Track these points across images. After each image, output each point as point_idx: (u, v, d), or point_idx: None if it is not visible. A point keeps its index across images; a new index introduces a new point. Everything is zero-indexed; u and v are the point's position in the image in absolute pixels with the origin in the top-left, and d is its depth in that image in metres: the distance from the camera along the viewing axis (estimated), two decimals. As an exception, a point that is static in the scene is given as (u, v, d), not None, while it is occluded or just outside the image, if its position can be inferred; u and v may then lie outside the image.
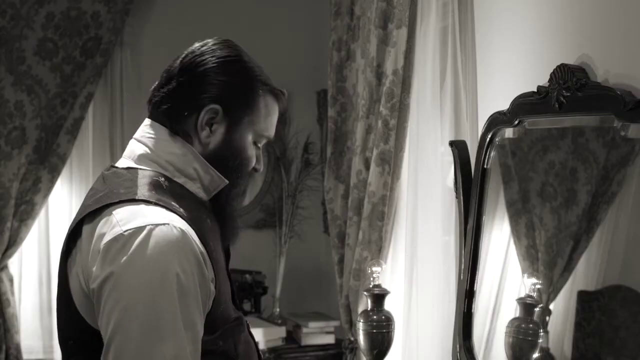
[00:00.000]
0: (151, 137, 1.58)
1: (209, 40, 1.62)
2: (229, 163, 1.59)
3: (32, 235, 3.81)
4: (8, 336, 3.69)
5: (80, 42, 3.77)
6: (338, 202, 3.41)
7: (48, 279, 3.88)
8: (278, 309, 4.00)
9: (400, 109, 2.93)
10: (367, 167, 3.10)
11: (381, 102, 2.96)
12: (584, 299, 2.04)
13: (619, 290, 1.95)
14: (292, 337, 3.94)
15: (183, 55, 1.60)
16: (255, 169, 1.66)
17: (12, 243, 3.70)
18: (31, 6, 3.67)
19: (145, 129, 1.60)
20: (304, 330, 3.86)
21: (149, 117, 1.62)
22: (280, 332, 3.87)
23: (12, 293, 3.73)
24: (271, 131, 1.65)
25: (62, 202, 3.90)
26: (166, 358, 1.36)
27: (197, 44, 1.62)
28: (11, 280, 3.74)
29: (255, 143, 1.63)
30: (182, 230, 1.43)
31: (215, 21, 3.99)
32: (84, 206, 1.53)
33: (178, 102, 1.56)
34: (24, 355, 3.74)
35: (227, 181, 1.58)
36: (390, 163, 2.96)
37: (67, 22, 3.73)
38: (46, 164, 3.75)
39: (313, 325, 3.87)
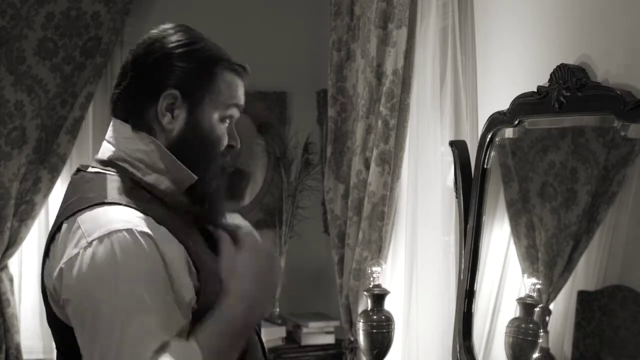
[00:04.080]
0: (118, 137, 1.57)
1: (161, 25, 1.60)
2: (196, 145, 1.56)
3: (32, 235, 3.81)
4: (8, 336, 3.69)
5: (80, 42, 3.77)
6: (338, 202, 3.41)
7: (48, 279, 3.88)
8: (278, 309, 4.00)
9: (400, 109, 2.93)
10: (367, 167, 3.10)
11: (381, 102, 2.96)
12: (584, 299, 2.04)
13: (619, 290, 1.95)
14: (292, 337, 3.94)
15: (134, 48, 1.58)
16: (231, 146, 1.62)
17: (12, 243, 3.70)
18: (31, 6, 3.67)
19: (112, 130, 1.59)
20: (304, 330, 3.86)
21: (113, 115, 1.60)
22: (280, 332, 3.87)
23: (12, 293, 3.73)
24: (237, 101, 1.60)
25: (62, 202, 3.90)
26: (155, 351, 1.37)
27: (147, 35, 1.59)
28: (11, 280, 3.74)
29: (222, 120, 1.59)
30: (148, 232, 1.42)
31: (215, 21, 3.99)
32: (58, 215, 1.52)
33: (135, 96, 1.55)
34: (24, 355, 3.74)
35: (195, 177, 1.56)
36: (390, 163, 2.96)
37: (67, 22, 3.73)
38: (46, 164, 3.75)
39: (313, 325, 3.87)
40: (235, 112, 1.61)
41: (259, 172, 4.26)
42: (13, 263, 3.78)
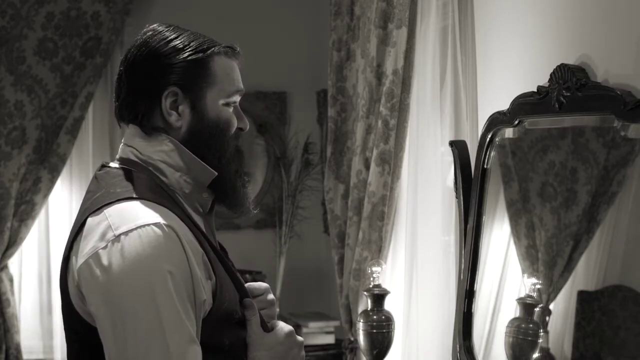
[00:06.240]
0: (136, 142, 1.58)
1: (143, 30, 1.60)
2: (207, 135, 1.57)
3: (32, 235, 3.81)
4: (8, 336, 3.69)
5: (80, 42, 3.77)
6: (338, 202, 3.41)
7: (48, 279, 3.88)
8: (278, 309, 3.98)
9: (400, 109, 2.93)
10: (367, 167, 3.10)
11: (381, 102, 2.96)
12: (584, 299, 2.04)
13: (619, 290, 1.95)
14: (292, 337, 3.93)
15: (122, 60, 1.59)
16: (240, 129, 1.63)
17: (12, 243, 3.70)
18: (31, 6, 3.67)
19: (130, 134, 1.59)
20: (304, 330, 3.86)
21: (126, 123, 1.61)
22: (280, 332, 3.87)
23: (12, 293, 3.73)
24: (237, 85, 1.61)
25: (62, 202, 3.90)
26: (177, 350, 1.38)
27: (133, 41, 1.60)
28: (11, 280, 3.74)
29: (227, 105, 1.60)
30: (175, 228, 1.43)
31: (214, 21, 3.99)
32: (82, 210, 1.53)
33: (137, 103, 1.56)
34: (24, 355, 3.74)
35: (215, 173, 1.57)
36: (390, 163, 2.96)
37: (67, 22, 3.73)
38: (46, 164, 3.76)
39: (313, 325, 3.87)
40: (237, 98, 1.62)
41: (259, 172, 4.26)
42: (13, 263, 3.78)
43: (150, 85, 1.55)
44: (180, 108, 1.55)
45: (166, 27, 1.59)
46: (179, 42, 1.56)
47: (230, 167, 1.61)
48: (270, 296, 1.72)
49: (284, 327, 1.61)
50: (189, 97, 1.55)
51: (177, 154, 1.56)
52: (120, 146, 1.61)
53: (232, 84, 1.60)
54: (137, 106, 1.56)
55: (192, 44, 1.57)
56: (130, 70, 1.57)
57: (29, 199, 3.73)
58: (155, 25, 1.61)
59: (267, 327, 1.59)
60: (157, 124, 1.56)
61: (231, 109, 1.60)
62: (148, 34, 1.58)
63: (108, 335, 1.41)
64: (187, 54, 1.55)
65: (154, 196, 1.49)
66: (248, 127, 1.65)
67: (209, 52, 1.57)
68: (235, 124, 1.61)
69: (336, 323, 3.79)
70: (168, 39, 1.56)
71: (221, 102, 1.58)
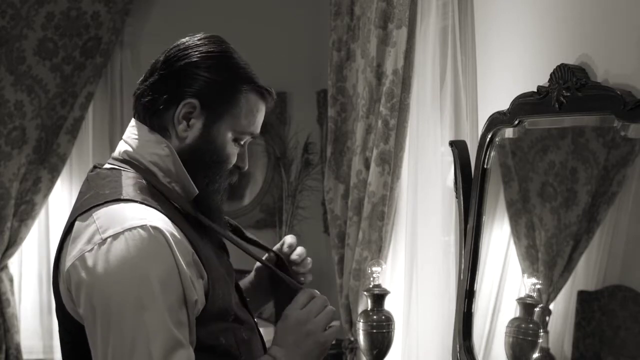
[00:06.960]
0: (136, 138, 1.58)
1: (198, 34, 1.61)
2: (206, 158, 1.57)
3: (32, 235, 3.82)
4: (8, 336, 3.69)
5: (80, 42, 3.77)
6: (338, 202, 3.41)
7: (48, 279, 3.88)
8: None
9: (400, 109, 2.93)
10: (367, 167, 3.10)
11: (381, 102, 2.96)
12: (584, 299, 2.04)
13: (619, 290, 1.95)
14: (292, 337, 3.92)
15: (168, 49, 1.60)
16: (238, 167, 1.63)
17: (12, 243, 3.71)
18: (31, 6, 3.68)
19: (131, 129, 1.60)
20: (304, 330, 3.85)
21: (133, 114, 1.62)
22: (280, 332, 3.86)
23: (12, 293, 3.74)
24: (253, 129, 1.62)
25: (62, 202, 3.91)
26: (159, 355, 1.38)
27: (184, 39, 1.60)
28: (11, 280, 3.74)
29: (236, 140, 1.60)
30: (162, 230, 1.43)
31: (215, 21, 3.99)
32: (73, 210, 1.53)
33: (157, 95, 1.56)
34: (24, 355, 3.75)
35: (196, 191, 1.57)
36: (390, 163, 2.96)
37: (67, 22, 3.74)
38: (46, 164, 3.76)
39: (313, 325, 3.86)
40: (248, 139, 1.63)
41: (259, 172, 4.26)
42: (13, 263, 3.79)
43: (176, 87, 1.55)
44: (192, 121, 1.55)
45: (218, 43, 1.59)
46: (222, 61, 1.57)
47: (215, 196, 1.61)
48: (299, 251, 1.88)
49: (290, 313, 1.73)
50: (205, 115, 1.56)
51: (170, 161, 1.55)
52: (120, 142, 1.61)
53: (250, 124, 1.60)
54: (156, 98, 1.56)
55: (233, 68, 1.57)
56: (167, 64, 1.57)
57: (29, 199, 3.73)
58: (211, 35, 1.61)
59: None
60: (164, 124, 1.56)
61: (236, 145, 1.61)
62: (203, 40, 1.58)
63: (94, 336, 1.42)
64: (223, 75, 1.56)
65: (143, 197, 1.48)
66: (247, 168, 1.66)
67: (244, 84, 1.57)
68: (234, 161, 1.61)
69: (336, 323, 3.78)
70: (212, 54, 1.57)
71: (231, 135, 1.58)
